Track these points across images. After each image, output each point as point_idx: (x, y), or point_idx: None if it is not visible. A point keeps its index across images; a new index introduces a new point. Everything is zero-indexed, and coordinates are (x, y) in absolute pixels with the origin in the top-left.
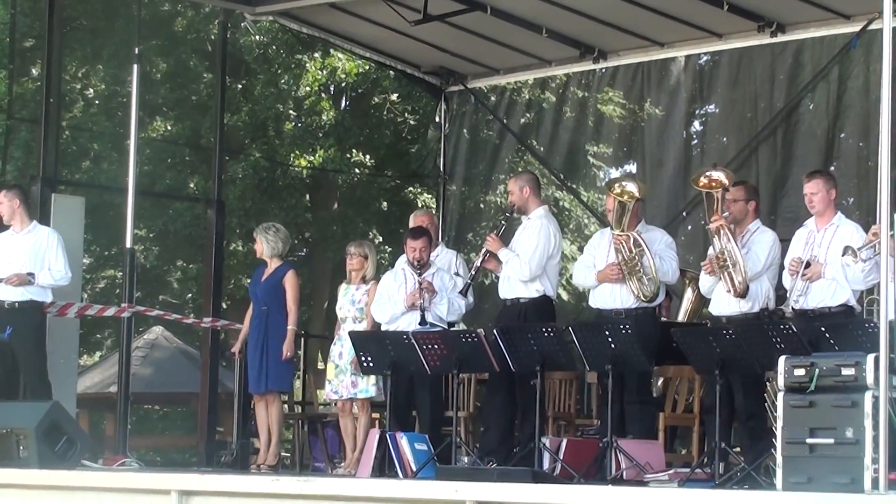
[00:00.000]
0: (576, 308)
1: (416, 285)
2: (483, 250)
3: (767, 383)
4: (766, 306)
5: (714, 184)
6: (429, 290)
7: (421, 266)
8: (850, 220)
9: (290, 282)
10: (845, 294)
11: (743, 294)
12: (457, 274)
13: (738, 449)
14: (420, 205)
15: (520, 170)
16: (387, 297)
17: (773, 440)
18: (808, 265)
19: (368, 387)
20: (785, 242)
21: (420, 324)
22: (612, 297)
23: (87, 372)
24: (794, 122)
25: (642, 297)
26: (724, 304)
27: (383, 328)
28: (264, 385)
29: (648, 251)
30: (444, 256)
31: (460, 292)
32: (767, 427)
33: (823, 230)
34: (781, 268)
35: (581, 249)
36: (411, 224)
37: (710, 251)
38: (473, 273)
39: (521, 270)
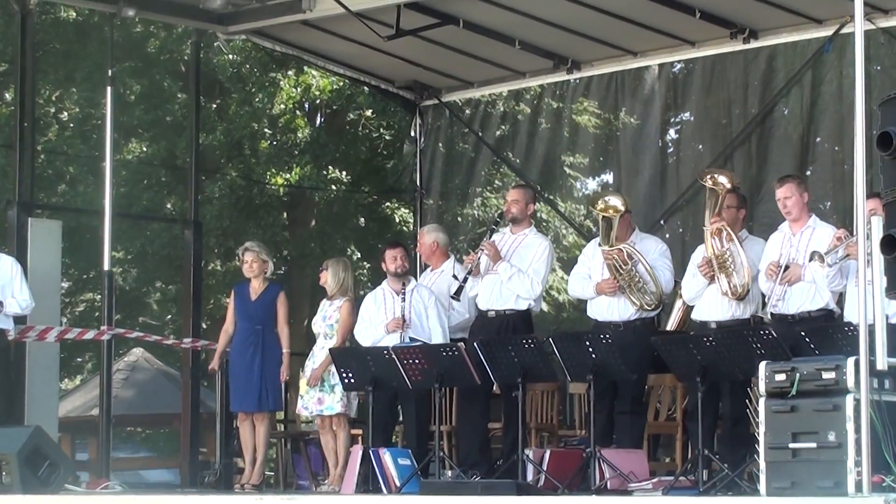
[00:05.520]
0: (556, 319)
1: (395, 314)
2: (478, 255)
3: (749, 389)
4: (756, 311)
5: (719, 185)
6: (399, 325)
7: (404, 273)
8: (824, 222)
9: (282, 303)
10: (825, 297)
11: (742, 297)
12: (454, 277)
13: (717, 455)
14: (398, 220)
15: (518, 181)
16: (368, 320)
17: (756, 446)
18: (786, 269)
19: (334, 403)
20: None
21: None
22: (610, 310)
23: (68, 396)
24: (768, 128)
25: (646, 307)
26: (715, 309)
27: None
28: (266, 405)
29: (643, 260)
30: (447, 265)
31: (451, 296)
32: (751, 433)
33: (800, 233)
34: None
35: (560, 260)
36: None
37: (704, 253)
38: (466, 275)
39: (533, 290)
